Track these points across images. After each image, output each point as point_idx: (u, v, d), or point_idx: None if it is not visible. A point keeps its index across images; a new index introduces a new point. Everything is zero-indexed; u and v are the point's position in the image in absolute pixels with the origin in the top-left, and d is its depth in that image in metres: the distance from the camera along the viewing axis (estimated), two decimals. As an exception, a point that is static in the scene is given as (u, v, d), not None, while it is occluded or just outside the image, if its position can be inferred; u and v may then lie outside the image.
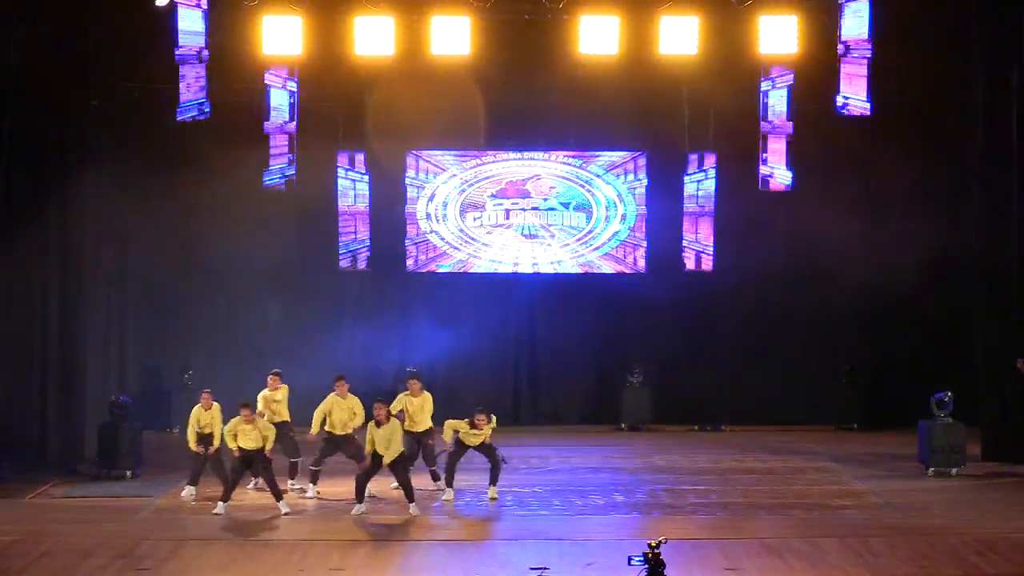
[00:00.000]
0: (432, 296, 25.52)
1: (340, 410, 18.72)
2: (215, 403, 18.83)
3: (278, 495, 17.90)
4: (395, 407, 18.67)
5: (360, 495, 17.77)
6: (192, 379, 23.96)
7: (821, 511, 17.89)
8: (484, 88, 24.66)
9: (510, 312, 25.83)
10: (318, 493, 18.84)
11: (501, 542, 16.04)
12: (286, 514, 17.57)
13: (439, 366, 24.16)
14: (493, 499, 18.50)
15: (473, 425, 18.38)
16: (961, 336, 23.77)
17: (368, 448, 17.63)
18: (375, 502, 18.22)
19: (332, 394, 18.85)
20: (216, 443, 18.53)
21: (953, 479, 19.98)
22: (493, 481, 18.65)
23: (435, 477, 19.04)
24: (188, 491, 18.71)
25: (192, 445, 18.66)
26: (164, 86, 24.17)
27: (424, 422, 19.06)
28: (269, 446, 17.94)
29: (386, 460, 17.53)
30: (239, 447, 17.84)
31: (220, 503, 17.73)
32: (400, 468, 17.74)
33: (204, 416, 18.70)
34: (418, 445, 18.91)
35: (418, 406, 19.02)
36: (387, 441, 17.50)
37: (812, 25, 23.97)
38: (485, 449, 18.62)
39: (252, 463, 18.01)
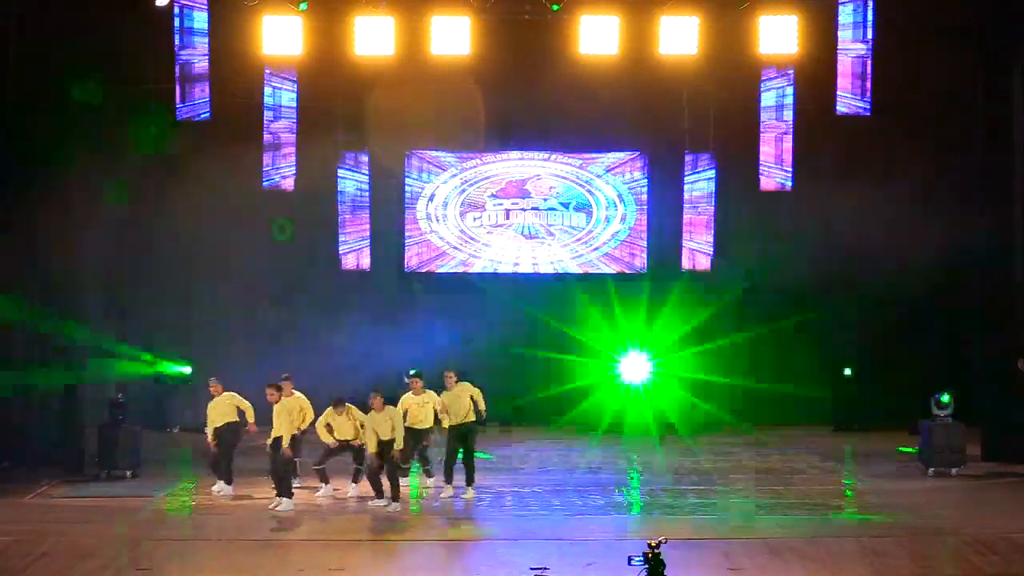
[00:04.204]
0: (432, 296, 25.50)
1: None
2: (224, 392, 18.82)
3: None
4: (400, 407, 18.58)
5: (380, 490, 17.78)
6: (192, 378, 23.99)
7: (821, 511, 17.87)
8: (484, 88, 24.67)
9: (510, 312, 25.81)
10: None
11: (501, 542, 16.00)
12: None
13: (439, 366, 24.08)
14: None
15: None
16: (961, 336, 23.75)
17: (371, 442, 17.59)
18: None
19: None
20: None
21: (953, 479, 19.95)
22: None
23: (428, 474, 19.05)
24: (219, 487, 18.68)
25: (209, 437, 18.71)
26: (164, 86, 24.19)
27: (427, 420, 18.98)
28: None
29: (397, 444, 17.51)
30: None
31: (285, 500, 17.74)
32: (394, 463, 17.73)
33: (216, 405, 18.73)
34: (416, 443, 18.85)
35: (420, 404, 18.95)
36: (388, 427, 17.53)
37: (812, 25, 24.00)
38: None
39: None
